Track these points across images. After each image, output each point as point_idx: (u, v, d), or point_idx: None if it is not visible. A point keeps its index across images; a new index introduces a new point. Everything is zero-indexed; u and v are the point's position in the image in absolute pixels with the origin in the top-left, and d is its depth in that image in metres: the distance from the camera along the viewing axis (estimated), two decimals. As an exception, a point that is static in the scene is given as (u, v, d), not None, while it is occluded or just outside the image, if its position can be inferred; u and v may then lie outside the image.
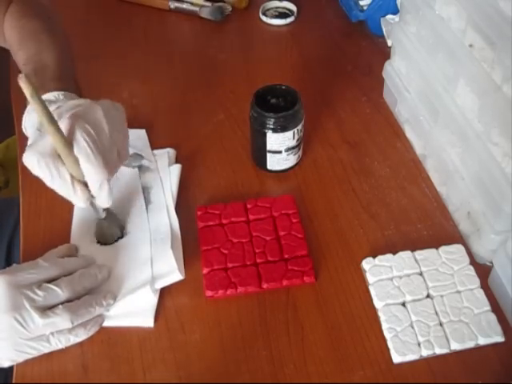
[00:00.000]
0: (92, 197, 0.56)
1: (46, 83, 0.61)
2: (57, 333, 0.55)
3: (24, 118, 0.61)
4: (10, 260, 0.77)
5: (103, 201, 0.57)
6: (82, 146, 0.52)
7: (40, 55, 0.66)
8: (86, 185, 0.55)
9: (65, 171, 0.53)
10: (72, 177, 0.54)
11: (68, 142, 0.52)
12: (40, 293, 0.54)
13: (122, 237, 0.66)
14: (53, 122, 0.51)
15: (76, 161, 0.53)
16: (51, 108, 0.54)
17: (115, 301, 0.59)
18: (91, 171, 0.54)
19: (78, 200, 0.55)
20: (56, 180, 0.53)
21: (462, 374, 0.56)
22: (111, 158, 0.55)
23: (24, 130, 0.61)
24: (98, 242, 0.65)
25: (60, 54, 0.67)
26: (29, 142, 0.57)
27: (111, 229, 0.65)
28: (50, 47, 0.67)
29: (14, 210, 0.72)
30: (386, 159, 0.76)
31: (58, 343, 0.55)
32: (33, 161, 0.52)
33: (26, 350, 0.54)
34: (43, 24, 0.71)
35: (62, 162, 0.53)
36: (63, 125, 0.52)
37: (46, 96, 0.59)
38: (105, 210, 0.63)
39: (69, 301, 0.56)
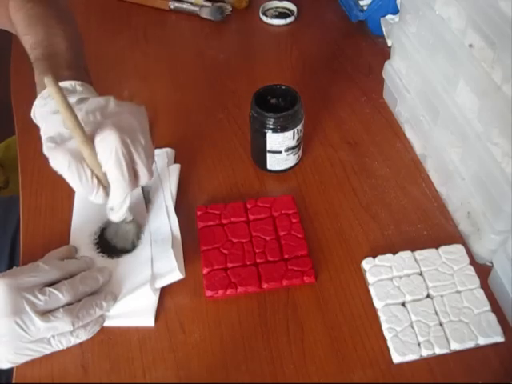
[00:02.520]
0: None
1: (59, 70, 0.59)
2: (58, 335, 0.55)
3: (35, 105, 0.58)
4: (13, 256, 0.76)
5: (119, 215, 0.59)
6: (117, 161, 0.52)
7: (50, 41, 0.63)
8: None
9: (91, 175, 0.53)
10: (97, 179, 0.53)
11: (90, 140, 0.52)
12: (41, 297, 0.53)
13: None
14: (74, 117, 0.51)
15: (95, 158, 0.52)
16: (71, 99, 0.53)
17: (116, 301, 0.59)
18: (118, 188, 0.54)
19: (97, 200, 0.55)
20: (83, 183, 0.53)
21: (461, 374, 0.56)
22: (142, 172, 0.56)
23: (32, 116, 0.59)
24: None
25: (70, 40, 0.65)
26: (46, 134, 0.55)
27: (126, 234, 0.64)
28: (59, 33, 0.64)
29: (18, 208, 0.72)
30: (386, 159, 0.76)
31: (58, 345, 0.55)
32: (64, 163, 0.51)
33: (27, 352, 0.54)
34: (51, 9, 0.67)
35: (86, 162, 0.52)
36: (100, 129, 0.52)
37: (62, 84, 0.56)
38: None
39: (69, 303, 0.56)
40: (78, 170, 0.52)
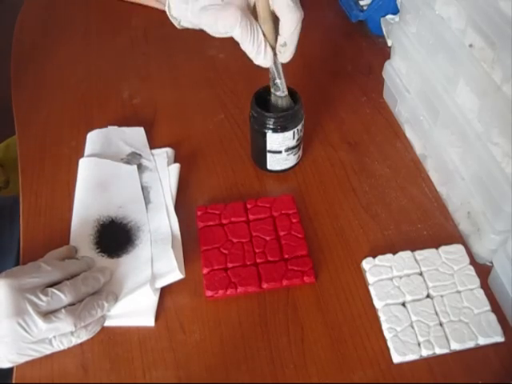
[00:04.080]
0: (275, 54, 0.60)
1: None
2: (59, 336, 0.55)
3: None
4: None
5: (288, 54, 0.61)
6: None
7: None
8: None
9: (260, 29, 0.57)
10: (264, 36, 0.57)
11: None
12: (43, 298, 0.53)
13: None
14: None
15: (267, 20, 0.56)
16: None
17: (116, 301, 0.59)
18: (288, 13, 0.56)
19: (265, 59, 0.60)
20: (253, 38, 0.57)
21: (461, 373, 0.56)
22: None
23: (167, 8, 0.63)
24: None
25: None
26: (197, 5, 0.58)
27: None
28: None
29: None
30: (386, 159, 0.76)
31: (59, 345, 0.55)
32: (236, 16, 0.55)
33: (28, 352, 0.54)
34: None
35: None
36: None
37: None
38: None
39: (71, 304, 0.56)
40: (246, 23, 0.55)
